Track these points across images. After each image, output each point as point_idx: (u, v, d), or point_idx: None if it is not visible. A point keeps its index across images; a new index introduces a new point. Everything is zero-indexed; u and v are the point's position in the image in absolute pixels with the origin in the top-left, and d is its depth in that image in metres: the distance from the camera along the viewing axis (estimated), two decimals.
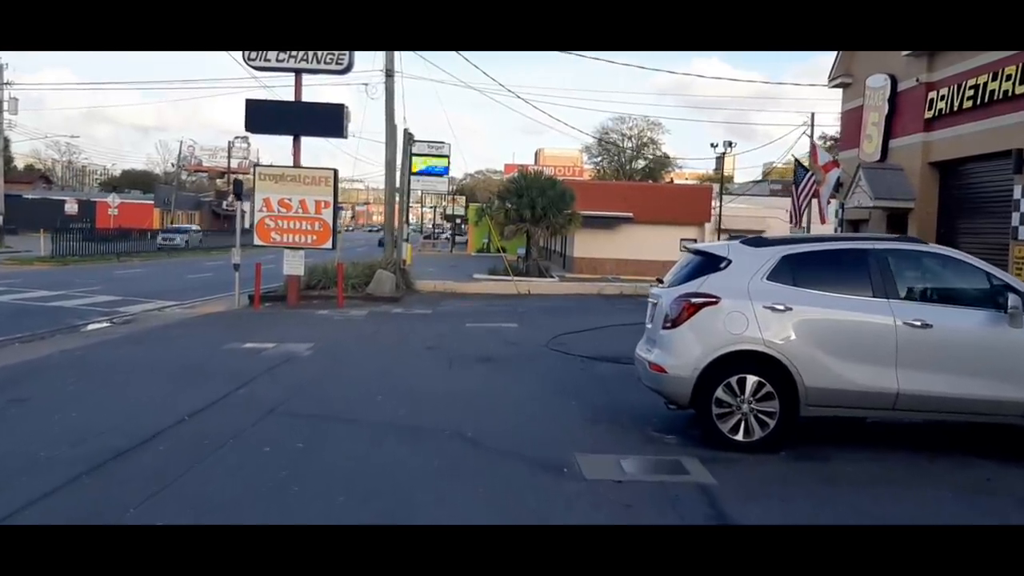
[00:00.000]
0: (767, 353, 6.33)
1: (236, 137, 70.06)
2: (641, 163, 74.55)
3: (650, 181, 64.97)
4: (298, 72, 18.72)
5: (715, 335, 6.39)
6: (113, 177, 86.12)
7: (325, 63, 18.65)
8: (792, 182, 18.54)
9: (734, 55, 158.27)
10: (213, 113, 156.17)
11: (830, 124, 63.85)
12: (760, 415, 6.38)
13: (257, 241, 18.59)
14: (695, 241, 41.04)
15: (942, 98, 15.05)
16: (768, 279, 6.51)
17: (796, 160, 18.97)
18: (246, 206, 19.78)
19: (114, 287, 22.25)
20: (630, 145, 72.52)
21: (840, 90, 19.68)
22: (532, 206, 29.82)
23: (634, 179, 67.93)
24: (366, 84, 24.53)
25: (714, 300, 6.45)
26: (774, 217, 48.16)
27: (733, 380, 6.37)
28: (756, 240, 6.93)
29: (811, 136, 34.43)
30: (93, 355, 10.92)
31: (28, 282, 23.01)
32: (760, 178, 64.72)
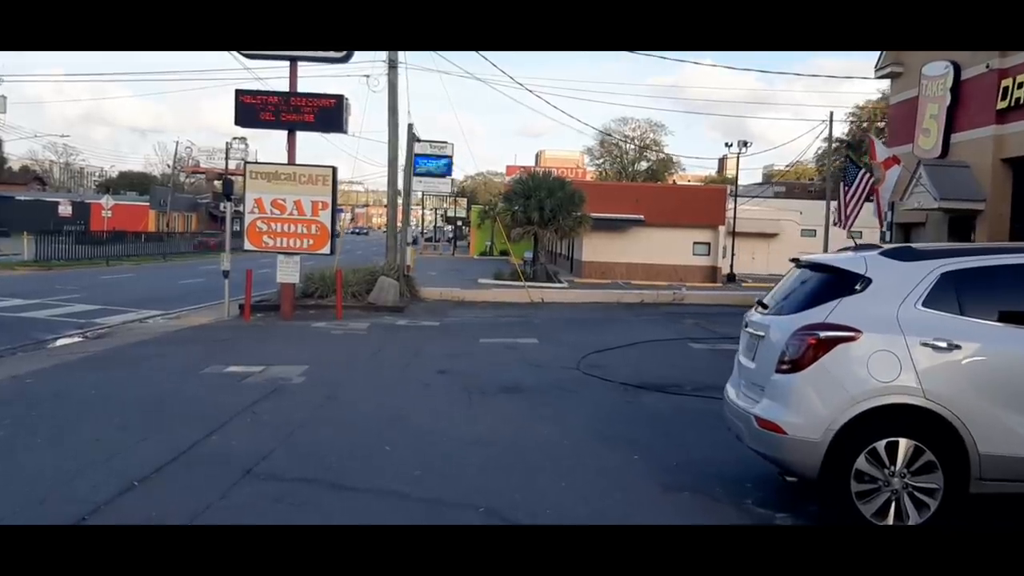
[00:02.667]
0: (927, 408, 4.58)
1: (234, 138, 68.26)
2: (644, 165, 73.00)
3: (657, 183, 63.36)
4: (293, 60, 17.06)
5: (855, 383, 4.63)
6: (110, 179, 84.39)
7: (322, 50, 17.03)
8: (842, 181, 16.70)
9: (731, 55, 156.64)
10: (212, 114, 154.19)
11: (838, 120, 62.35)
12: (916, 492, 4.63)
13: (248, 246, 16.83)
14: (708, 245, 39.40)
15: (1019, 86, 13.31)
16: (924, 305, 4.74)
17: (848, 156, 17.22)
18: (240, 207, 18.08)
19: (97, 295, 20.58)
20: (632, 147, 70.96)
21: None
22: (540, 208, 28.35)
23: (637, 181, 66.35)
24: (367, 76, 22.92)
25: (853, 334, 4.68)
26: (788, 220, 46.66)
27: (880, 445, 4.61)
28: (902, 251, 5.11)
29: (869, 132, 32.49)
30: (45, 384, 9.17)
31: (1, 289, 21.25)
32: (761, 181, 63.15)
